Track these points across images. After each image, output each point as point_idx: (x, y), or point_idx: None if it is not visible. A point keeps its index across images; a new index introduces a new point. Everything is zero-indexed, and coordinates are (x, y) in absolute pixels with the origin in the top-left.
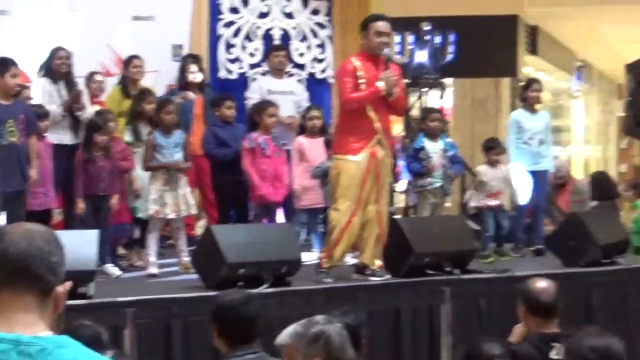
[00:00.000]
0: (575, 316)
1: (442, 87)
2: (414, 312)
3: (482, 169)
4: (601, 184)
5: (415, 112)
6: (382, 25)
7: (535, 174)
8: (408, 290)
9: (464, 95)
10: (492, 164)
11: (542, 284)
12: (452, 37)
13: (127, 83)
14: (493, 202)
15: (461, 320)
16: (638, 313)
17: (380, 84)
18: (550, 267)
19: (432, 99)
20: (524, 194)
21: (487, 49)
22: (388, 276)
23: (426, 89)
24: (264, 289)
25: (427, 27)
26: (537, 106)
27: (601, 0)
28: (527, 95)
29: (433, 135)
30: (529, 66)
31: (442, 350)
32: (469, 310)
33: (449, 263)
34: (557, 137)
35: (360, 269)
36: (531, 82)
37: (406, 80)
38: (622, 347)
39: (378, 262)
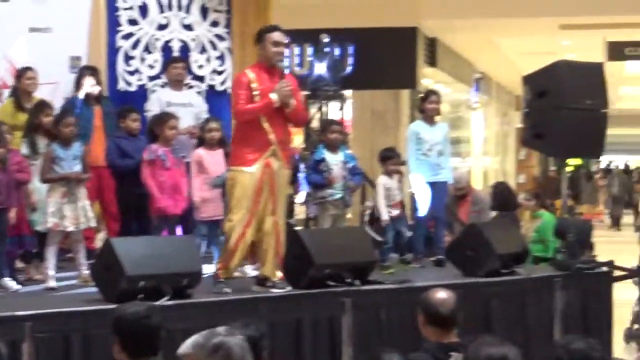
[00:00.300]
0: (475, 326)
1: (341, 99)
2: (315, 324)
3: (383, 180)
4: (502, 195)
5: (315, 124)
6: (277, 36)
7: (434, 185)
8: (309, 302)
9: (363, 107)
10: (390, 174)
11: (441, 295)
12: (350, 49)
13: (20, 95)
14: (394, 212)
15: (362, 331)
16: (537, 322)
17: (274, 96)
18: (450, 277)
19: (332, 110)
20: (424, 205)
21: (386, 61)
22: (289, 288)
23: (326, 101)
24: (164, 302)
25: (326, 39)
26: (436, 118)
27: (496, 12)
28: (425, 107)
29: (333, 147)
30: (428, 78)
31: None
32: (370, 321)
33: (350, 274)
34: (456, 149)
35: (261, 281)
36: (429, 94)
37: (306, 92)
38: (518, 356)
39: (279, 274)
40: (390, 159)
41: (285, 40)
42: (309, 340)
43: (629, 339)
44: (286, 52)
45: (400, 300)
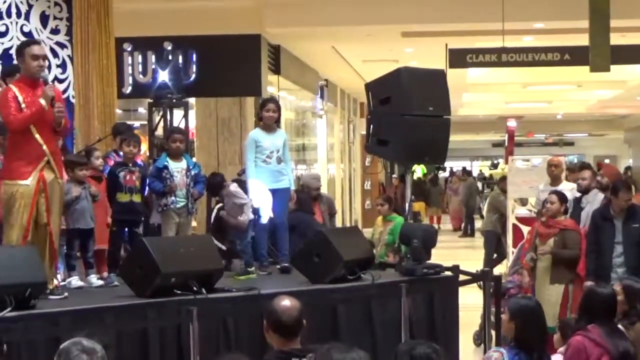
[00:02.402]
0: (322, 332)
1: (185, 106)
2: (162, 332)
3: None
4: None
5: (159, 132)
6: (36, 49)
7: (275, 192)
8: (155, 311)
9: (208, 115)
10: None
11: (284, 303)
12: (193, 57)
13: None
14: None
15: (209, 339)
16: (384, 328)
17: (42, 101)
18: (296, 284)
19: (176, 118)
20: (265, 212)
21: (230, 68)
22: (66, 294)
23: (169, 109)
24: (6, 313)
25: (168, 46)
26: (281, 124)
27: (338, 20)
28: (262, 115)
29: (176, 155)
30: (273, 85)
31: None
32: (217, 329)
33: (196, 282)
34: (302, 156)
35: None
36: (266, 102)
37: (149, 100)
38: None
39: (55, 282)
40: None
41: (44, 53)
42: (156, 349)
43: (478, 341)
44: (130, 61)
45: (246, 308)
